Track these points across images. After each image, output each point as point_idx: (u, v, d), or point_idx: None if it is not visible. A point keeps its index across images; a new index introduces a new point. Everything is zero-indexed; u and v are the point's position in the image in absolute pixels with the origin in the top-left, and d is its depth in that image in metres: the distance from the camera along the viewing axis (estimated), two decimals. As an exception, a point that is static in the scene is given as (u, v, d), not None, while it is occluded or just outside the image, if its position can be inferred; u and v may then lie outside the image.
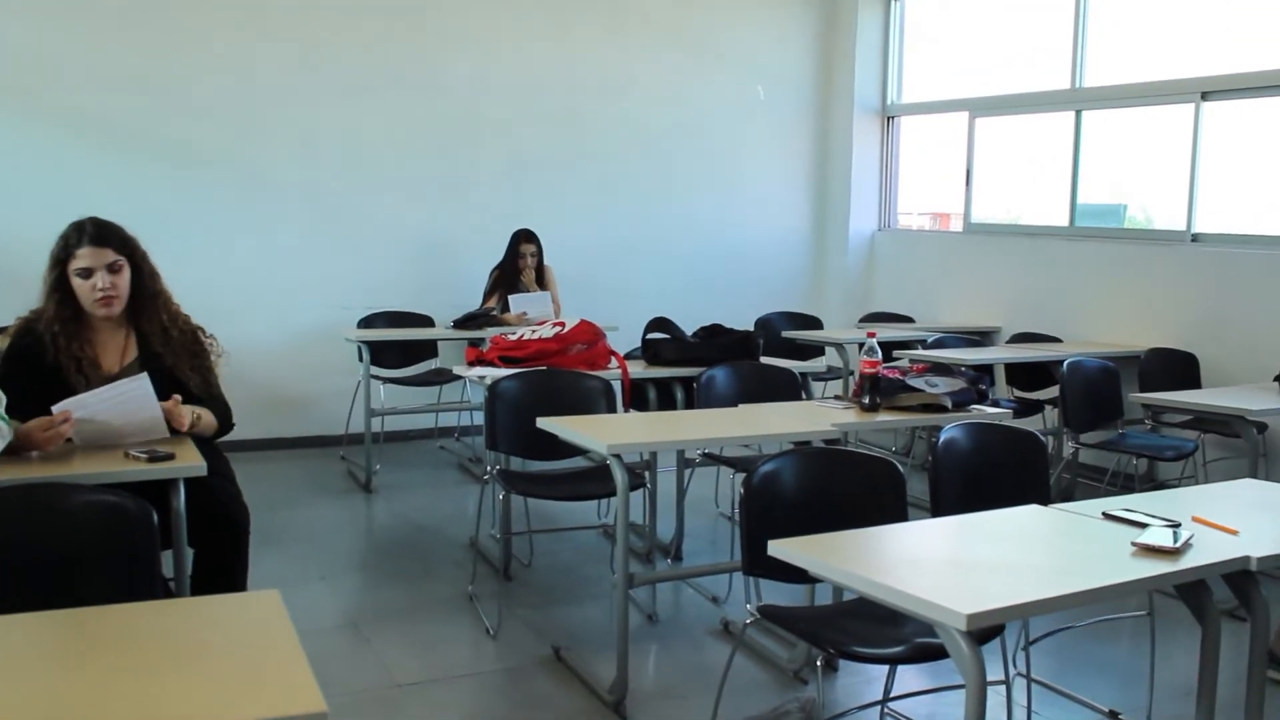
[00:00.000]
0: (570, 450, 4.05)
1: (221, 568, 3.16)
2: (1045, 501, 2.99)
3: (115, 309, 3.22)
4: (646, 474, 4.55)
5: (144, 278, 3.30)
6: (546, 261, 6.99)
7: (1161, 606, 3.62)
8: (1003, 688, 3.20)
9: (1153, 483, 5.96)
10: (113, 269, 3.21)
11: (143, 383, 3.03)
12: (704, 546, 5.14)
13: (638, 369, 5.05)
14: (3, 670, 1.67)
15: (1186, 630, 2.92)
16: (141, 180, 6.45)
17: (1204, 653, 2.38)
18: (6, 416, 2.86)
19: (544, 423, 3.79)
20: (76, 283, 3.18)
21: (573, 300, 6.99)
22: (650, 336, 5.29)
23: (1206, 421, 5.34)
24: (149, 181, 6.46)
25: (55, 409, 2.92)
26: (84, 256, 3.18)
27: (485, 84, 7.30)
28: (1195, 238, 6.21)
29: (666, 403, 5.04)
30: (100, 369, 3.23)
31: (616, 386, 4.72)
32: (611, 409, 4.51)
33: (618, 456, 3.43)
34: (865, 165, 8.42)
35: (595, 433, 3.59)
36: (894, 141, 8.48)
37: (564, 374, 4.62)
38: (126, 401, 3.01)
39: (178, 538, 2.94)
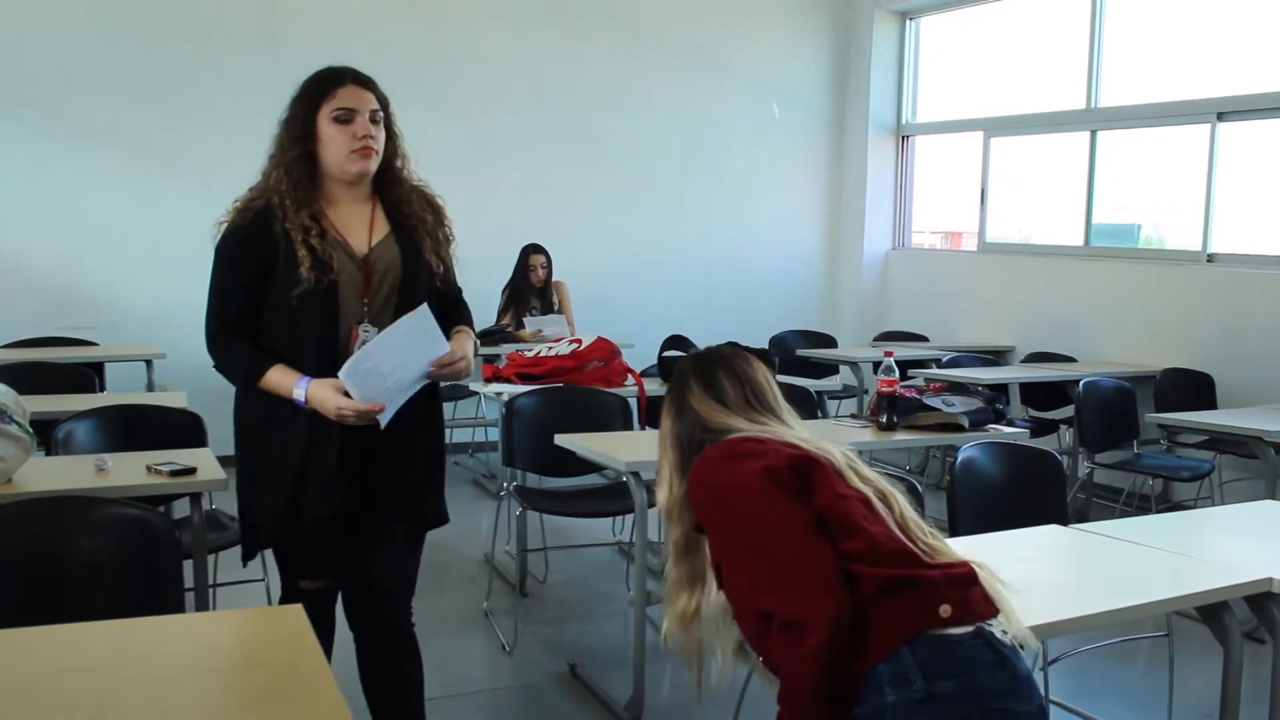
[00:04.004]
0: (585, 466, 4.06)
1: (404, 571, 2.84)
2: (1063, 522, 2.99)
3: (372, 164, 2.61)
4: (662, 491, 4.54)
5: (392, 141, 2.70)
6: (561, 278, 7.01)
7: (1179, 628, 3.61)
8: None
9: (1168, 504, 5.94)
10: (374, 118, 2.60)
11: (426, 318, 2.52)
12: (718, 564, 5.13)
13: (654, 386, 5.05)
14: (28, 683, 1.68)
15: (1205, 652, 2.91)
16: (159, 193, 6.50)
17: (1226, 674, 2.37)
18: (30, 429, 2.88)
19: (563, 439, 3.80)
20: (330, 131, 2.57)
21: (588, 318, 7.00)
22: (667, 354, 5.30)
23: (1223, 442, 5.32)
24: (167, 195, 6.50)
25: (341, 375, 2.45)
26: (346, 96, 2.58)
27: (500, 102, 7.33)
28: (1211, 258, 6.20)
29: (682, 420, 5.03)
30: (344, 243, 2.60)
31: (633, 403, 4.72)
32: (628, 426, 4.52)
33: (636, 473, 3.43)
34: (880, 184, 8.43)
35: (613, 449, 3.61)
36: (908, 160, 8.49)
37: (581, 390, 4.64)
38: (412, 345, 2.53)
39: (199, 549, 2.95)
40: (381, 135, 2.62)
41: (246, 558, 2.72)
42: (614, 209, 7.80)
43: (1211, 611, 2.35)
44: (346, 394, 2.46)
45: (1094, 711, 3.57)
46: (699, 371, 2.15)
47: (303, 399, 2.49)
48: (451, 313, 2.77)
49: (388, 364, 2.46)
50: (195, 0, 6.55)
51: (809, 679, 1.68)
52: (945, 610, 1.72)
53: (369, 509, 2.62)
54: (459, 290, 2.85)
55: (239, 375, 2.58)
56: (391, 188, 2.71)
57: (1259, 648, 3.22)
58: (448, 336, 2.63)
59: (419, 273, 2.65)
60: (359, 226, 2.63)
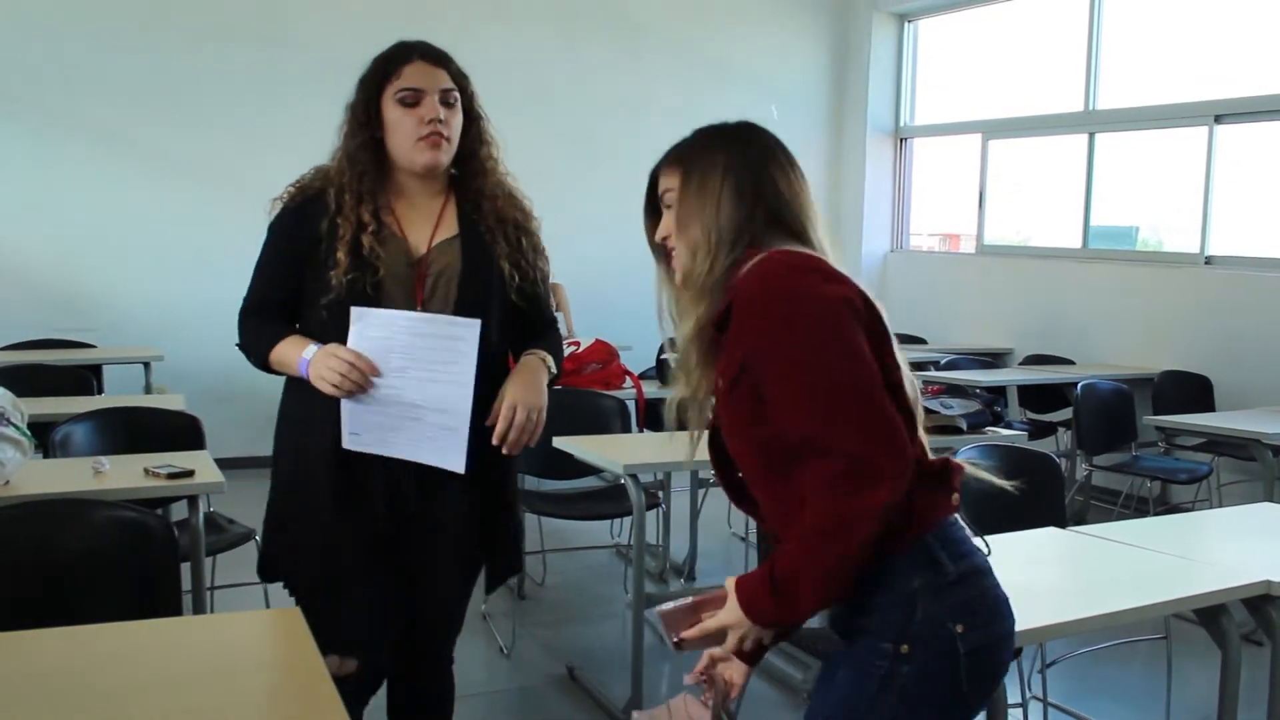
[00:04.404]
0: (583, 469, 4.06)
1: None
2: (1061, 524, 2.99)
3: (443, 156, 2.27)
4: (661, 494, 4.56)
5: (474, 125, 2.38)
6: (560, 279, 6.99)
7: (1177, 630, 3.61)
8: (1019, 711, 3.19)
9: (1166, 506, 5.94)
10: (446, 100, 2.27)
11: (467, 336, 2.17)
12: (717, 566, 5.13)
13: (652, 389, 5.06)
14: (23, 686, 1.68)
15: (1202, 654, 2.91)
16: (158, 195, 6.50)
17: (1224, 677, 2.37)
18: (28, 432, 2.87)
19: (561, 441, 3.80)
20: (395, 114, 2.24)
21: (586, 320, 7.01)
22: (665, 357, 5.30)
23: (1221, 444, 5.32)
24: (170, 201, 6.51)
25: (352, 310, 2.17)
26: (413, 74, 2.25)
27: (499, 104, 7.28)
28: (1209, 260, 6.21)
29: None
30: (403, 240, 2.27)
31: (631, 406, 4.72)
32: (626, 428, 4.52)
33: (634, 476, 3.44)
34: (878, 186, 8.44)
35: (610, 452, 3.61)
36: (907, 163, 8.50)
37: (579, 393, 4.64)
38: (433, 357, 2.17)
39: (196, 552, 2.95)
40: (456, 120, 2.30)
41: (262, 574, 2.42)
42: (613, 210, 7.77)
43: (1209, 614, 2.35)
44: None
45: (1092, 714, 3.57)
46: (785, 151, 1.90)
47: (306, 365, 2.18)
48: (527, 338, 2.40)
49: (399, 353, 2.16)
50: (194, 2, 6.55)
51: (863, 534, 1.52)
52: (956, 498, 1.70)
53: (417, 552, 2.32)
54: (550, 317, 2.51)
55: (254, 354, 2.32)
56: (472, 181, 2.35)
57: (1257, 650, 3.22)
58: (515, 358, 2.32)
59: (485, 282, 2.29)
60: (423, 224, 2.29)
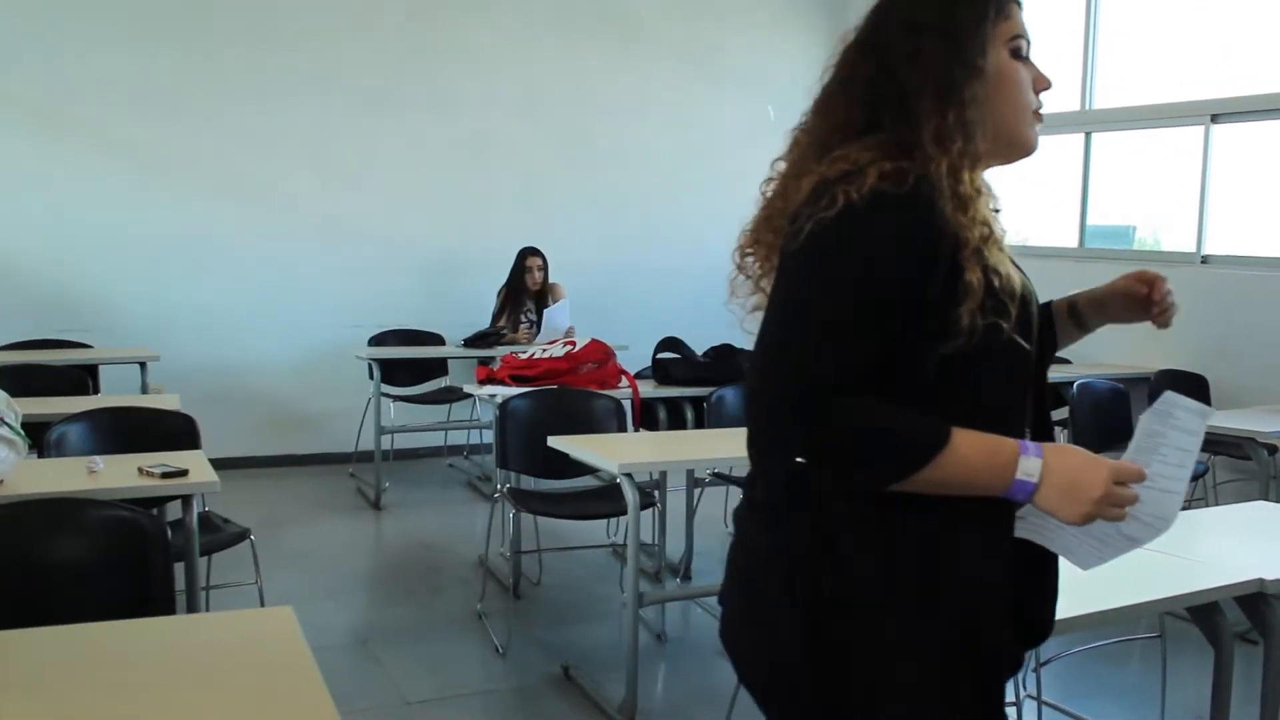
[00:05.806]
0: (578, 469, 4.06)
1: None
2: (1056, 523, 2.99)
3: None
4: (656, 493, 4.55)
5: None
6: (557, 279, 7.01)
7: (1172, 629, 3.61)
8: (1014, 710, 3.19)
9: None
10: None
11: (1204, 423, 1.57)
12: (713, 566, 5.13)
13: (648, 388, 5.06)
14: (16, 686, 1.68)
15: (1197, 653, 2.92)
16: (153, 196, 6.50)
17: (1217, 676, 2.37)
18: (23, 432, 2.87)
19: (556, 441, 3.80)
20: (1012, 67, 1.56)
21: (583, 320, 7.00)
22: (661, 356, 5.30)
23: (1216, 443, 5.31)
24: (165, 201, 6.50)
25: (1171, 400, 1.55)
26: (1021, 22, 1.56)
27: (495, 105, 7.33)
28: (1205, 259, 6.21)
29: (677, 422, 5.05)
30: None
31: (627, 405, 4.72)
32: (622, 428, 4.52)
33: (629, 476, 3.44)
34: (874, 186, 8.42)
35: (606, 452, 3.61)
36: (903, 162, 8.48)
37: (575, 393, 4.64)
38: (1183, 443, 1.55)
39: (190, 552, 2.95)
40: None
41: None
42: (609, 211, 7.80)
43: (1202, 612, 2.36)
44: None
45: (1087, 713, 3.58)
46: None
47: (1033, 479, 1.39)
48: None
49: (1145, 448, 1.54)
50: (188, 3, 6.55)
51: None
52: None
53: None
54: None
55: (894, 452, 1.38)
56: None
57: (1251, 648, 3.23)
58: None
59: None
60: None
